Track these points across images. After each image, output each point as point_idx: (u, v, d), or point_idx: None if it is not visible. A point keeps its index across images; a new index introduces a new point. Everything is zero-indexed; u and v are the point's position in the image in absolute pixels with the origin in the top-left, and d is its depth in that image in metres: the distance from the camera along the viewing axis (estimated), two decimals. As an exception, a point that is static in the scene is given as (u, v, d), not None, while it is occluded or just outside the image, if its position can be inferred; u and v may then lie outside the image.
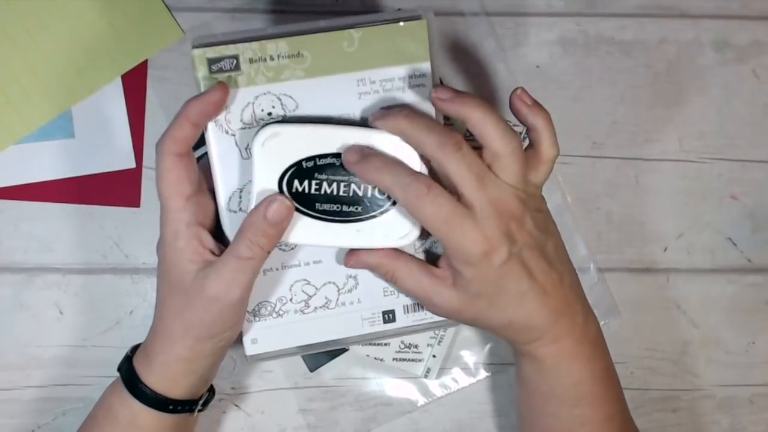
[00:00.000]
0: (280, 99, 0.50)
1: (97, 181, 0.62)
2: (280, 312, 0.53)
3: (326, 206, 0.50)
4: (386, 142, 0.49)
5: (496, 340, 0.63)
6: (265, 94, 0.50)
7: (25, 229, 0.62)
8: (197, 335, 0.49)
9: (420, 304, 0.53)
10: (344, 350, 0.62)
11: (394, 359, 0.61)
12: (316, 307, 0.53)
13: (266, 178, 0.49)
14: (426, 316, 0.54)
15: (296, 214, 0.49)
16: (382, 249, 0.51)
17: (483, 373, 0.63)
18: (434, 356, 0.62)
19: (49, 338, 0.61)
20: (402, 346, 0.61)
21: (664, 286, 0.64)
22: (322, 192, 0.50)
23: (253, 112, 0.50)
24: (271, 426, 0.62)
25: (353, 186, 0.50)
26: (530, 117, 0.49)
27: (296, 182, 0.49)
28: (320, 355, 0.62)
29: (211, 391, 0.55)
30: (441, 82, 0.52)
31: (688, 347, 0.64)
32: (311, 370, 0.62)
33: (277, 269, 0.52)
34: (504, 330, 0.50)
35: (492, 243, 0.46)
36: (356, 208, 0.50)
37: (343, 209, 0.50)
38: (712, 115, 0.65)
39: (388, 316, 0.54)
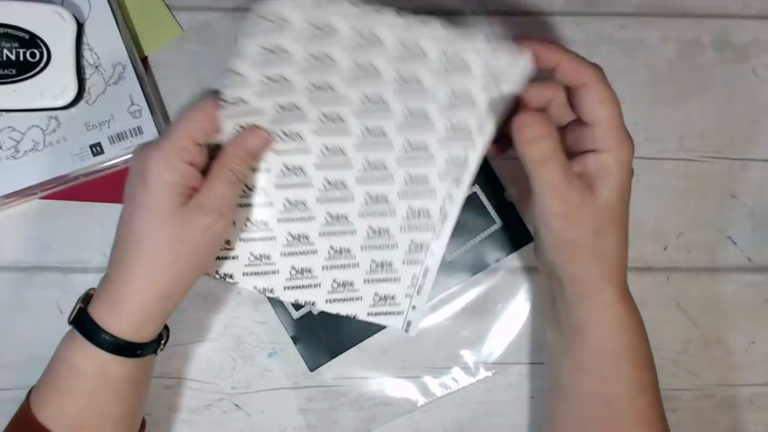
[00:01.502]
0: None
1: (97, 177, 0.62)
2: None
3: None
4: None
5: (496, 339, 0.63)
6: None
7: (25, 228, 0.62)
8: (186, 265, 0.51)
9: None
10: (345, 349, 0.62)
11: (368, 314, 0.58)
12: (26, 151, 0.58)
13: None
14: (133, 143, 0.58)
15: None
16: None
17: (483, 373, 0.63)
18: (414, 307, 0.58)
19: (49, 338, 0.61)
20: (376, 298, 0.58)
21: (664, 285, 0.64)
22: None
23: None
24: (270, 426, 0.62)
25: (5, 51, 0.56)
26: None
27: None
28: (320, 355, 0.62)
29: (167, 329, 0.55)
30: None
31: (688, 346, 0.64)
32: (311, 370, 0.62)
33: None
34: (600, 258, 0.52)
35: None
36: (11, 71, 0.58)
37: None
38: (712, 114, 0.65)
39: (96, 149, 0.58)
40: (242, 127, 0.53)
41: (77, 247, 0.62)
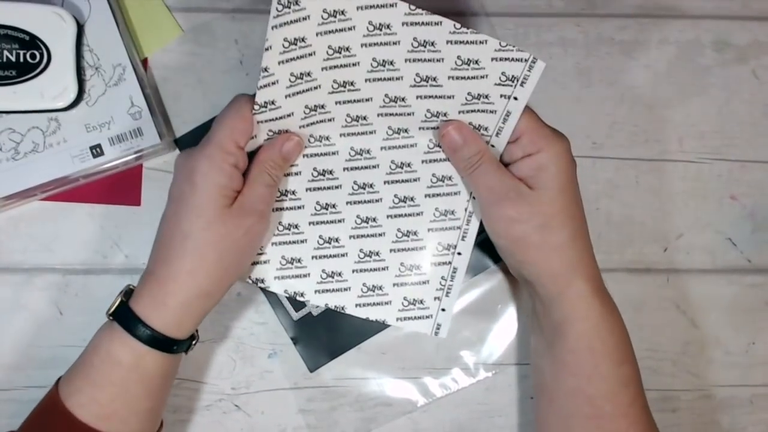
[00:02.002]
0: None
1: (97, 178, 0.62)
2: None
3: None
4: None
5: (496, 339, 0.63)
6: None
7: (25, 229, 0.62)
8: (228, 264, 0.52)
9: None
10: (345, 350, 0.62)
11: (397, 319, 0.59)
12: (26, 152, 0.58)
13: None
14: (133, 145, 0.58)
15: None
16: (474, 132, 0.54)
17: (483, 374, 0.63)
18: (443, 310, 0.59)
19: (49, 338, 0.61)
20: (405, 302, 0.58)
21: (664, 287, 0.64)
22: None
23: None
24: (271, 426, 0.62)
25: (5, 53, 0.56)
26: None
27: None
28: (320, 356, 0.62)
29: (196, 330, 0.56)
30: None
31: (687, 347, 0.64)
32: (311, 371, 0.62)
33: None
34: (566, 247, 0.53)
35: None
36: (11, 72, 0.57)
37: None
38: (712, 116, 0.65)
39: (96, 150, 0.58)
40: (274, 131, 0.55)
41: (77, 248, 0.62)
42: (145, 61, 0.63)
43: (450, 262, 0.58)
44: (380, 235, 0.58)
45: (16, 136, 0.60)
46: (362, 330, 0.62)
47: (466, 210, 0.57)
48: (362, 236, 0.58)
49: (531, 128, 0.53)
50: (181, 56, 0.63)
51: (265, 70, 0.51)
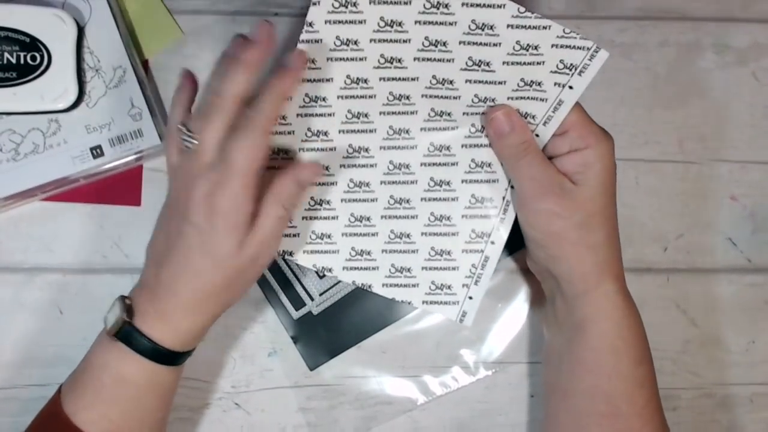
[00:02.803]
0: None
1: (97, 179, 0.62)
2: None
3: None
4: None
5: (496, 338, 0.63)
6: None
7: (25, 229, 0.62)
8: (238, 290, 0.52)
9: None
10: (345, 349, 0.62)
11: (423, 302, 0.58)
12: (26, 153, 0.58)
13: None
14: (133, 146, 0.58)
15: None
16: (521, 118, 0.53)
17: (483, 372, 0.63)
18: (471, 298, 0.58)
19: (49, 338, 0.61)
20: (432, 287, 0.57)
21: (665, 286, 0.64)
22: None
23: None
24: (271, 424, 0.62)
25: (6, 55, 0.56)
26: None
27: None
28: (320, 354, 0.62)
29: None
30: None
31: (688, 346, 0.64)
32: (311, 369, 0.62)
33: None
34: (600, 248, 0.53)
35: None
36: (11, 74, 0.58)
37: None
38: (712, 117, 0.65)
39: (96, 151, 0.58)
40: (310, 97, 0.53)
41: (77, 248, 0.62)
42: (145, 63, 0.63)
43: (482, 251, 0.57)
44: (413, 217, 0.56)
45: (17, 137, 0.60)
46: (362, 328, 0.62)
47: (503, 199, 0.56)
48: (394, 217, 0.56)
49: (580, 123, 0.52)
50: (181, 58, 0.64)
51: (310, 25, 0.50)
